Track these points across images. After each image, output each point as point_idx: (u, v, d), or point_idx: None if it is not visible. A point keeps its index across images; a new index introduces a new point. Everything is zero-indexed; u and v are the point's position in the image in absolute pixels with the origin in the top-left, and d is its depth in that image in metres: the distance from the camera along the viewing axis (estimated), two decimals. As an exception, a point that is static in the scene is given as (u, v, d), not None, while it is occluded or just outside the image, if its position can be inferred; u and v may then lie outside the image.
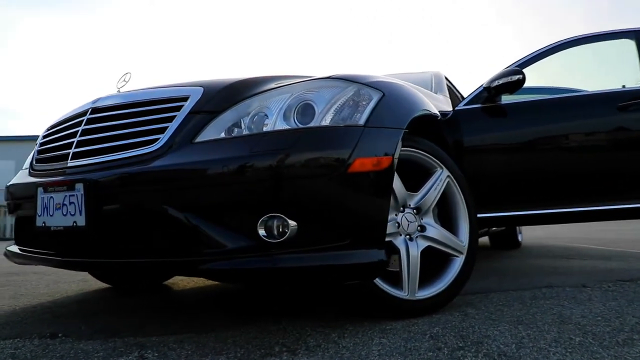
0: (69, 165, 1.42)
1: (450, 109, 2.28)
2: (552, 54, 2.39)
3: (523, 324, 1.38)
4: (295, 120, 1.28)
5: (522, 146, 2.31)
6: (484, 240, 4.34)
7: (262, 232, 1.18)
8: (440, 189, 1.65)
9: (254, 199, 1.17)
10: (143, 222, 1.24)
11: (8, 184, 1.78)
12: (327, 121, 1.28)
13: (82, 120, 1.48)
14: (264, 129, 1.28)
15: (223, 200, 1.18)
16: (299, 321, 1.50)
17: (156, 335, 1.38)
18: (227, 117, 1.29)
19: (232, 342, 1.29)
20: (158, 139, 1.29)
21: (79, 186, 1.30)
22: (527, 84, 2.27)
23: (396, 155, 1.35)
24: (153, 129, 1.32)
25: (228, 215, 1.19)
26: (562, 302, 1.71)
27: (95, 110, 1.47)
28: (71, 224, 1.32)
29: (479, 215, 2.19)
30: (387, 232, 1.49)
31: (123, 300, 2.00)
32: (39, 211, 1.43)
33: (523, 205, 2.28)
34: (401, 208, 1.56)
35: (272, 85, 1.39)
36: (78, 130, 1.47)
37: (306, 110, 1.30)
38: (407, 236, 1.55)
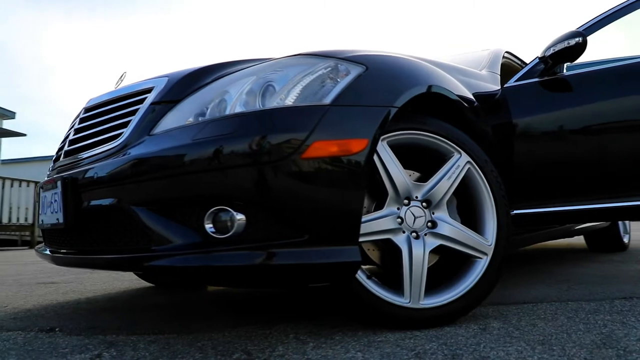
0: (58, 164, 1.46)
1: (498, 87, 1.95)
2: (625, 14, 1.93)
3: (546, 345, 1.08)
4: (260, 103, 1.15)
5: (596, 127, 1.90)
6: (579, 240, 3.73)
7: (209, 227, 1.07)
8: (457, 177, 1.38)
9: (199, 191, 1.07)
10: (103, 220, 1.21)
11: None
12: (289, 102, 1.13)
13: (77, 120, 1.52)
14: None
15: (170, 194, 1.10)
16: (292, 327, 1.36)
17: (139, 334, 1.35)
18: (185, 106, 1.21)
19: (200, 345, 1.20)
20: (122, 133, 1.25)
21: (59, 184, 1.32)
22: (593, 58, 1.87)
23: (376, 138, 1.15)
24: (120, 123, 1.29)
25: (176, 209, 1.10)
26: (627, 318, 1.33)
27: (86, 109, 1.50)
28: (55, 221, 1.34)
29: (534, 211, 1.86)
30: (386, 228, 1.30)
31: (153, 299, 2.03)
32: (40, 209, 1.49)
33: (593, 196, 1.88)
34: (405, 201, 1.34)
35: (237, 68, 1.28)
36: (72, 130, 1.50)
37: (267, 92, 1.16)
38: (413, 233, 1.32)
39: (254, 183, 1.03)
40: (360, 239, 1.27)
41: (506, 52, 2.50)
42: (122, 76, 1.61)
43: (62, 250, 1.41)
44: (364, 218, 1.28)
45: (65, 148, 1.46)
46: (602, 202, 1.92)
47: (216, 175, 1.04)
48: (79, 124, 1.49)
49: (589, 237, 3.44)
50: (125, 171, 1.16)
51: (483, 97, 1.79)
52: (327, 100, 1.13)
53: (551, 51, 1.83)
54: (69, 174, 1.31)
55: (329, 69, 1.21)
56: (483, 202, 1.42)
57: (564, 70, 1.93)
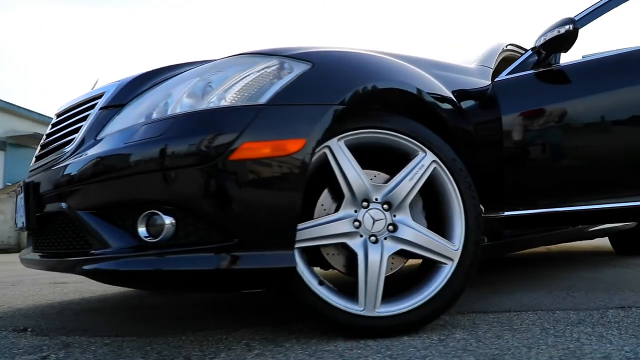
0: (31, 167, 1.50)
1: (489, 82, 1.83)
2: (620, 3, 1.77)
3: (495, 360, 0.99)
4: (197, 105, 1.13)
5: (593, 121, 1.76)
6: (605, 243, 3.48)
7: (142, 230, 1.06)
8: (421, 178, 1.30)
9: (131, 194, 1.06)
10: (55, 224, 1.23)
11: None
12: (225, 102, 1.10)
13: (50, 125, 1.56)
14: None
15: (108, 198, 1.09)
16: (253, 332, 1.33)
17: (100, 336, 1.36)
18: (129, 110, 1.21)
19: (148, 349, 1.19)
20: (74, 139, 1.27)
21: (22, 188, 1.35)
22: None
23: (319, 138, 1.10)
24: (75, 129, 1.31)
25: (114, 213, 1.10)
26: (609, 331, 1.21)
27: (57, 115, 1.54)
28: (22, 225, 1.38)
29: (528, 212, 1.75)
30: (341, 232, 1.25)
31: (143, 301, 2.05)
32: (16, 212, 1.54)
33: (596, 195, 1.74)
34: (364, 203, 1.27)
35: (183, 70, 1.26)
36: (44, 135, 1.55)
37: (206, 93, 1.13)
38: (372, 237, 1.26)
39: (181, 186, 1.01)
40: (312, 243, 1.24)
41: (510, 44, 2.36)
42: (95, 83, 1.64)
43: (32, 253, 1.45)
44: (316, 221, 1.24)
45: (36, 153, 1.51)
46: (607, 203, 1.78)
47: (145, 179, 1.03)
48: (50, 129, 1.53)
49: (614, 239, 3.20)
50: (71, 176, 1.17)
51: (467, 93, 1.70)
52: (263, 100, 1.10)
53: (542, 40, 1.71)
54: (31, 179, 1.34)
55: (272, 67, 1.17)
56: (450, 204, 1.33)
57: (560, 61, 1.80)
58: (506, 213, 1.75)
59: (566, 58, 1.89)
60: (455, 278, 1.28)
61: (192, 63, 1.33)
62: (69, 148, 1.28)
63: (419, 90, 1.37)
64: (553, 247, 3.81)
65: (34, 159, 1.52)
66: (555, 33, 1.66)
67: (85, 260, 1.08)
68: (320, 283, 1.23)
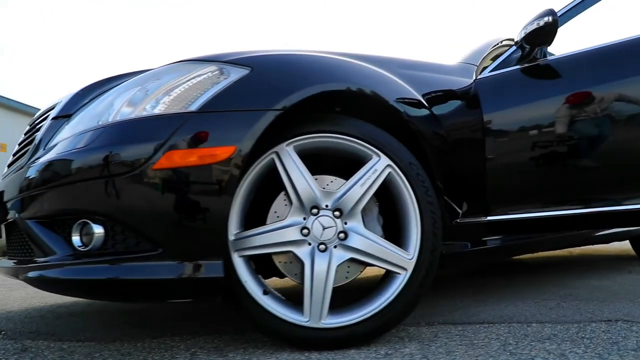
0: (2, 175, 1.55)
1: (471, 80, 1.74)
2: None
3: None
4: (132, 114, 1.13)
5: (587, 119, 1.64)
6: (626, 246, 3.24)
7: (75, 239, 1.07)
8: (374, 183, 1.25)
9: (66, 204, 1.07)
10: (12, 232, 1.26)
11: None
12: (157, 110, 1.09)
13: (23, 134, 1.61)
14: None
15: (48, 208, 1.11)
16: (207, 340, 1.32)
17: (61, 341, 1.38)
18: (75, 120, 1.22)
19: (96, 355, 1.21)
20: (28, 149, 1.31)
21: (-9, 196, 1.40)
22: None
23: (250, 145, 1.07)
24: (33, 138, 1.34)
25: (55, 223, 1.11)
26: (577, 348, 1.11)
27: (29, 124, 1.58)
28: (-7, 231, 1.43)
29: (513, 217, 1.65)
30: (288, 239, 1.22)
31: (123, 305, 2.06)
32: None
33: (579, 200, 1.62)
34: (314, 210, 1.23)
35: (128, 79, 1.27)
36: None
37: (142, 102, 1.13)
38: (322, 245, 1.22)
39: (107, 196, 1.01)
40: (256, 252, 1.21)
41: (508, 39, 2.23)
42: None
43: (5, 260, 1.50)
44: (262, 229, 1.22)
45: (9, 160, 1.56)
46: (598, 207, 1.66)
47: (75, 188, 1.04)
48: (23, 137, 1.58)
49: (636, 242, 2.97)
50: (20, 185, 1.20)
51: (442, 92, 1.61)
52: (194, 107, 1.08)
53: (523, 34, 1.61)
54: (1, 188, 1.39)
55: (210, 73, 1.15)
56: (406, 211, 1.27)
57: (546, 55, 1.69)
58: (489, 218, 1.66)
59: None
60: (408, 288, 1.21)
61: (138, 72, 1.34)
62: (24, 158, 1.31)
63: (373, 92, 1.31)
64: (576, 250, 3.60)
65: (6, 167, 1.58)
66: (535, 25, 1.56)
67: (29, 267, 1.10)
68: (265, 292, 1.20)
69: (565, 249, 3.53)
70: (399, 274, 1.23)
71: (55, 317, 1.79)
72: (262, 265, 1.32)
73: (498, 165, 1.64)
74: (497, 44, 2.11)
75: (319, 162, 1.33)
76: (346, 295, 1.27)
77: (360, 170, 1.25)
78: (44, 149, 1.24)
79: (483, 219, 1.65)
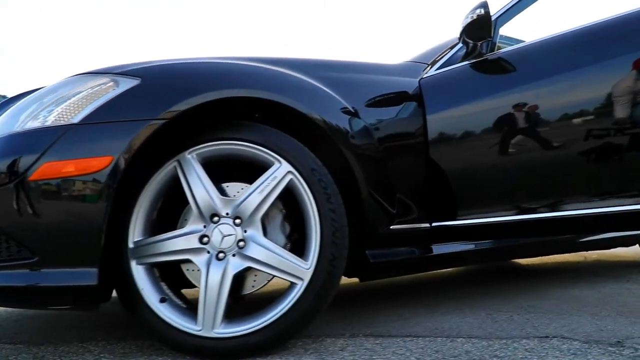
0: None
1: (416, 80, 1.65)
2: None
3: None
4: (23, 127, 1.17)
5: (537, 117, 1.52)
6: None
7: (-31, 247, 1.13)
8: (274, 190, 1.22)
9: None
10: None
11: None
12: (49, 122, 1.13)
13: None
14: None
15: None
16: (117, 348, 1.35)
17: (15, 343, 1.45)
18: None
19: (11, 358, 1.27)
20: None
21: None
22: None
23: (129, 155, 1.09)
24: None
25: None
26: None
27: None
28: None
29: (461, 223, 1.57)
30: (186, 247, 1.22)
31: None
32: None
33: (532, 204, 1.51)
34: (214, 218, 1.23)
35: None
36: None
37: (38, 116, 1.17)
38: (221, 253, 1.21)
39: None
40: (155, 259, 1.22)
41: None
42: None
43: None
44: (160, 237, 1.23)
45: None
46: (553, 212, 1.53)
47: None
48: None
49: None
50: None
51: (378, 94, 1.55)
52: (76, 119, 1.11)
53: (461, 29, 1.51)
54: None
55: (103, 85, 1.18)
56: (307, 218, 1.23)
57: (494, 50, 1.58)
58: (434, 224, 1.58)
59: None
60: (304, 299, 1.18)
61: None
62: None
63: (279, 97, 1.28)
64: (593, 255, 3.33)
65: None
66: (469, 19, 1.46)
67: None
68: (163, 300, 1.21)
69: (580, 254, 3.29)
70: (296, 283, 1.20)
71: (42, 321, 1.88)
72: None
73: (443, 168, 1.56)
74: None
75: (244, 168, 1.31)
76: (261, 305, 1.25)
77: (261, 177, 1.23)
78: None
79: (426, 225, 1.57)
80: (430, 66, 1.69)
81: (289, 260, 1.20)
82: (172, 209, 1.30)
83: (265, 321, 1.17)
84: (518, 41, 1.93)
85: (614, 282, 2.17)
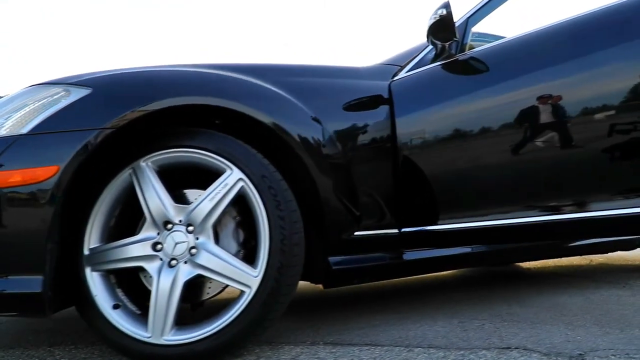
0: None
1: (386, 83, 1.62)
2: None
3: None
4: None
5: (506, 120, 1.47)
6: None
7: None
8: (225, 197, 1.22)
9: None
10: None
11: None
12: (1, 133, 1.16)
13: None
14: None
15: None
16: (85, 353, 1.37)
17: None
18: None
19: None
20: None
21: None
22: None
23: (75, 164, 1.10)
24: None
25: None
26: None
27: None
28: None
29: (431, 229, 1.54)
30: (138, 254, 1.24)
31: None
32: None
33: (504, 209, 1.46)
34: (168, 225, 1.24)
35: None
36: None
37: (-5, 125, 1.21)
38: (173, 261, 1.22)
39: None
40: (109, 266, 1.24)
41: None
42: None
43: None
44: (114, 244, 1.24)
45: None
46: (526, 217, 1.49)
47: None
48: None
49: None
50: None
51: (344, 99, 1.52)
52: (25, 129, 1.13)
53: (427, 31, 1.48)
54: None
55: (56, 95, 1.20)
56: (258, 225, 1.22)
57: (465, 50, 1.54)
58: (404, 230, 1.55)
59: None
60: (250, 307, 1.17)
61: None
62: None
63: (234, 103, 1.28)
64: (598, 259, 3.20)
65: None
66: (432, 20, 1.43)
67: None
68: (116, 307, 1.23)
69: (586, 257, 3.18)
70: (245, 292, 1.19)
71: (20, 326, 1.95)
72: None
73: (412, 173, 1.53)
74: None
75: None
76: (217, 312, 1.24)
77: (213, 184, 1.23)
78: None
79: (395, 231, 1.54)
80: (402, 69, 1.66)
81: (238, 268, 1.19)
82: (134, 216, 1.32)
83: (212, 329, 1.17)
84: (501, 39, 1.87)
85: (608, 288, 2.09)
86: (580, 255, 2.16)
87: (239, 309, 1.17)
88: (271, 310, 1.18)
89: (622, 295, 1.89)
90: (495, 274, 2.71)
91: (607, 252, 2.24)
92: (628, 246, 2.32)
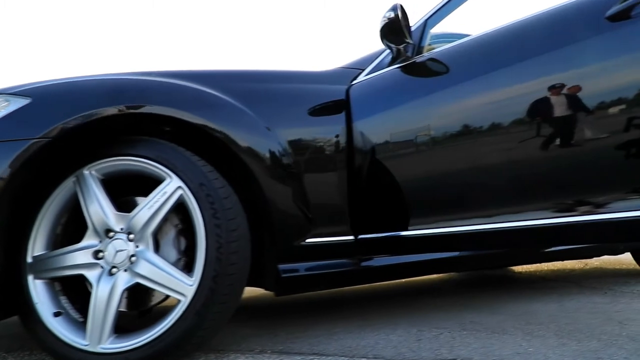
0: None
1: (344, 87, 1.59)
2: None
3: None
4: None
5: (466, 122, 1.43)
6: (628, 259, 2.69)
7: None
8: (163, 205, 1.21)
9: None
10: None
11: None
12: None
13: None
14: None
15: None
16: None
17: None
18: None
19: None
20: None
21: None
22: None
23: (7, 174, 1.11)
24: None
25: None
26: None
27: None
28: None
29: (388, 235, 1.51)
30: (79, 262, 1.24)
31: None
32: None
33: (466, 215, 1.42)
34: (110, 233, 1.24)
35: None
36: None
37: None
38: (114, 269, 1.22)
39: None
40: (51, 274, 1.25)
41: (443, 33, 2.02)
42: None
43: None
44: (56, 252, 1.25)
45: None
46: (488, 223, 1.44)
47: None
48: None
49: (637, 254, 2.45)
50: None
51: (299, 104, 1.51)
52: (-38, 140, 1.15)
53: (379, 33, 1.45)
54: None
55: (-3, 105, 1.21)
56: (196, 234, 1.21)
57: (422, 52, 1.50)
58: (360, 237, 1.53)
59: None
60: (184, 317, 1.16)
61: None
62: None
63: (176, 111, 1.27)
64: (594, 262, 3.10)
65: None
66: (383, 22, 1.40)
67: None
68: (57, 314, 1.23)
69: (581, 260, 3.08)
70: (181, 301, 1.18)
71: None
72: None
73: (368, 179, 1.50)
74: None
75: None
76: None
77: (152, 192, 1.23)
78: None
79: (351, 238, 1.52)
80: (362, 72, 1.63)
81: (174, 276, 1.19)
82: (83, 224, 1.33)
83: (147, 338, 1.16)
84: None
85: (590, 294, 2.01)
86: (555, 261, 2.09)
87: (173, 318, 1.17)
88: (206, 320, 1.17)
89: (599, 302, 1.82)
90: (486, 277, 2.65)
91: (588, 258, 2.16)
92: (614, 251, 2.25)
